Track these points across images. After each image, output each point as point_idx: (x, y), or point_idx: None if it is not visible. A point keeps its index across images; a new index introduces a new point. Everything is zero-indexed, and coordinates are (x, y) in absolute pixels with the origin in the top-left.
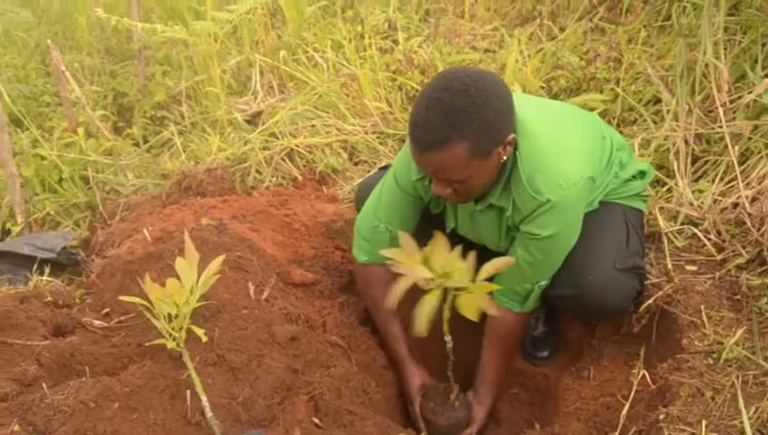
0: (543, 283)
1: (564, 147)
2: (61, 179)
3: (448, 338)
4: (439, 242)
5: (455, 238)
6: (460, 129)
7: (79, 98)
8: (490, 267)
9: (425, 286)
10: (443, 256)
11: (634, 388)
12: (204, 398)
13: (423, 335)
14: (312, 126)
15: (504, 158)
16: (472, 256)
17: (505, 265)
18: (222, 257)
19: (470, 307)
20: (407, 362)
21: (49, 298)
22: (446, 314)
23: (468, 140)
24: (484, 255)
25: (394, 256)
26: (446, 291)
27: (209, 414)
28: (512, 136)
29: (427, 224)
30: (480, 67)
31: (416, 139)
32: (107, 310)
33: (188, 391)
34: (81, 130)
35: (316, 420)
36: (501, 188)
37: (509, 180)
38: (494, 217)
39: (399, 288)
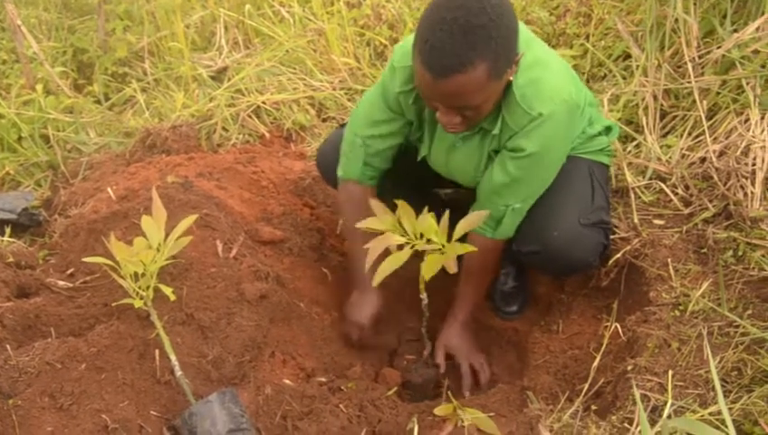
0: (517, 205)
1: (556, 70)
2: (20, 138)
3: (424, 295)
4: (405, 209)
5: (423, 170)
6: (481, 48)
7: (36, 54)
8: (464, 225)
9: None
10: (412, 220)
11: (605, 341)
12: (173, 357)
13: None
14: (279, 82)
15: (510, 78)
16: (446, 216)
17: (478, 219)
18: (194, 217)
19: (433, 267)
20: (368, 288)
21: (11, 259)
22: (423, 272)
23: (488, 60)
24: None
25: (370, 226)
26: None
27: (179, 373)
28: (520, 54)
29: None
30: None
31: (431, 64)
32: (71, 270)
33: (157, 351)
34: (39, 88)
35: (287, 381)
36: (494, 111)
37: (500, 102)
38: (475, 145)
39: (370, 257)
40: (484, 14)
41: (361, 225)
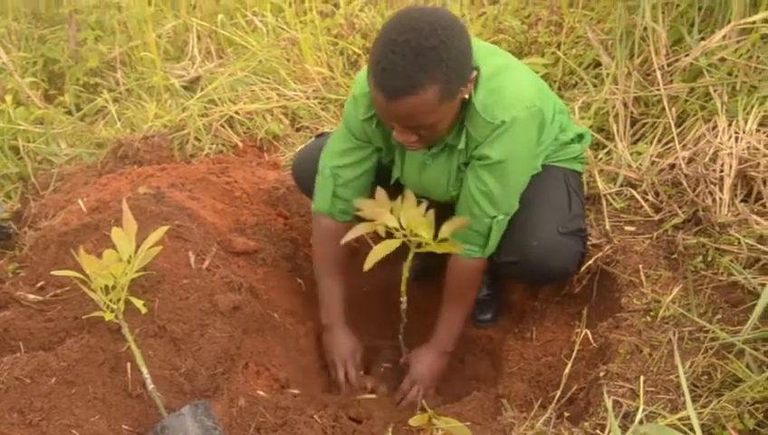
0: (500, 217)
1: (517, 78)
2: None
3: (404, 299)
4: (409, 198)
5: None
6: (431, 70)
7: (6, 64)
8: (450, 227)
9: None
10: (412, 211)
11: (576, 347)
12: (145, 370)
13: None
14: (252, 92)
15: (467, 96)
16: (431, 213)
17: (462, 224)
18: (164, 229)
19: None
20: (339, 325)
21: None
22: (405, 273)
23: (439, 82)
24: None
25: (362, 207)
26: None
27: (151, 386)
28: (474, 73)
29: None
30: None
31: (383, 85)
32: (41, 283)
33: (129, 364)
34: (9, 98)
35: (261, 392)
36: (457, 126)
37: (463, 117)
38: (444, 160)
39: (358, 230)
40: (435, 37)
41: (359, 207)
